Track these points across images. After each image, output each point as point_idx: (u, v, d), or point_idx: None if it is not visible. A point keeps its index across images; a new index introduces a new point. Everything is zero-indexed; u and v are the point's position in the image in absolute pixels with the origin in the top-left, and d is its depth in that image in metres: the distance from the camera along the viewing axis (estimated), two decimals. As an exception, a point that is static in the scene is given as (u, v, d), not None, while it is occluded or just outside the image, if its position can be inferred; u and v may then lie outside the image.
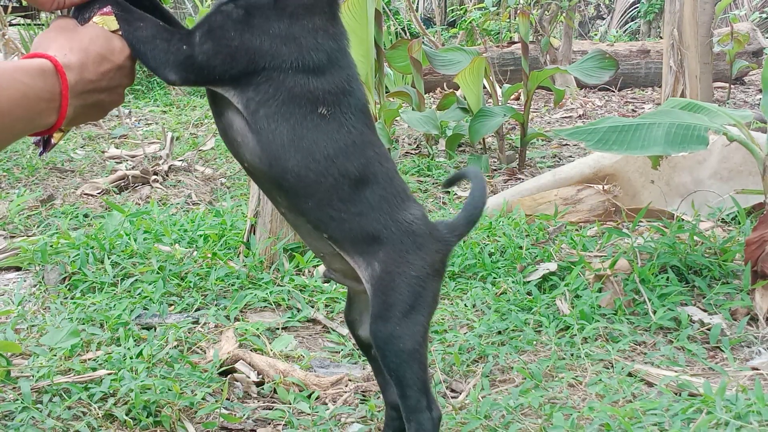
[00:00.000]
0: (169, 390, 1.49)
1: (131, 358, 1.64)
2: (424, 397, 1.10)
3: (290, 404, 1.54)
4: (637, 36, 10.03)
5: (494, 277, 2.14)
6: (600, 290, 1.97)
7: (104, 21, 1.01)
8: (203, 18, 1.03)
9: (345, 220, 1.06)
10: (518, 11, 4.63)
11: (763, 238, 1.90)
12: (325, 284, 2.13)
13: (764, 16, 8.87)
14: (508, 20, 7.05)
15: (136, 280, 2.10)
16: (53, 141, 1.00)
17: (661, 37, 7.86)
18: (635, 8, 10.61)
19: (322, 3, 1.04)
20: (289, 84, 1.01)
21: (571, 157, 3.85)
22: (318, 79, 1.02)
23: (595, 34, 10.82)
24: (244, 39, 0.99)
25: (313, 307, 2.01)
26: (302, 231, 1.13)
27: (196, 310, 1.99)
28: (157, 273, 2.13)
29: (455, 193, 3.12)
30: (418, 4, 10.53)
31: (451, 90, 4.89)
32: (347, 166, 1.04)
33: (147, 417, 1.44)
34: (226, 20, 1.00)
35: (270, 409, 1.53)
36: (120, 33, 1.01)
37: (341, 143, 1.03)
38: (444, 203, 3.03)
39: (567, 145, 4.19)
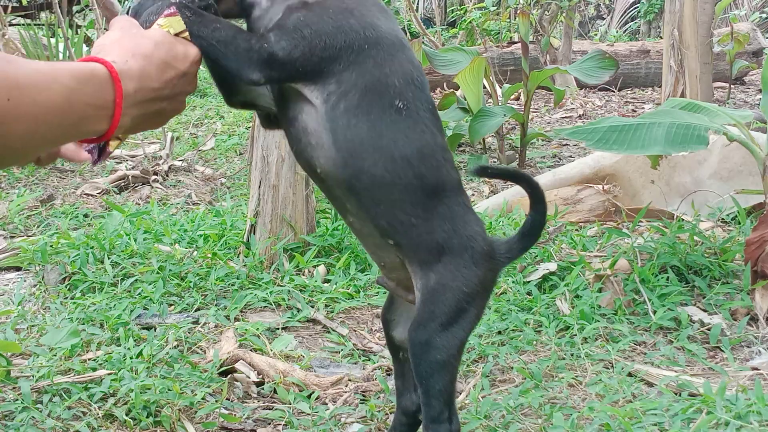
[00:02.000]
0: (169, 390, 1.49)
1: (131, 358, 1.64)
2: (447, 409, 1.10)
3: (290, 404, 1.54)
4: (637, 36, 10.02)
5: (494, 277, 2.13)
6: (600, 290, 1.97)
7: (169, 23, 0.97)
8: (275, 21, 1.04)
9: (414, 226, 1.06)
10: (518, 11, 4.63)
11: (763, 238, 1.90)
12: (325, 284, 2.13)
13: (764, 16, 8.86)
14: (508, 20, 7.05)
15: (136, 280, 2.10)
16: (109, 149, 0.95)
17: (661, 37, 7.86)
18: (635, 8, 10.61)
19: None
20: (367, 66, 1.01)
21: (571, 157, 3.85)
22: (392, 60, 1.03)
23: (595, 34, 10.81)
24: (311, 24, 1.00)
25: (313, 307, 2.01)
26: (367, 240, 1.13)
27: (196, 310, 1.99)
28: (157, 273, 2.13)
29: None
30: (418, 4, 10.53)
31: (451, 90, 4.88)
32: (422, 169, 1.04)
33: (147, 417, 1.44)
34: (292, 13, 1.01)
35: (270, 409, 1.53)
36: (184, 35, 0.97)
37: (417, 143, 1.04)
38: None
39: (567, 145, 4.19)
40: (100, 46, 0.93)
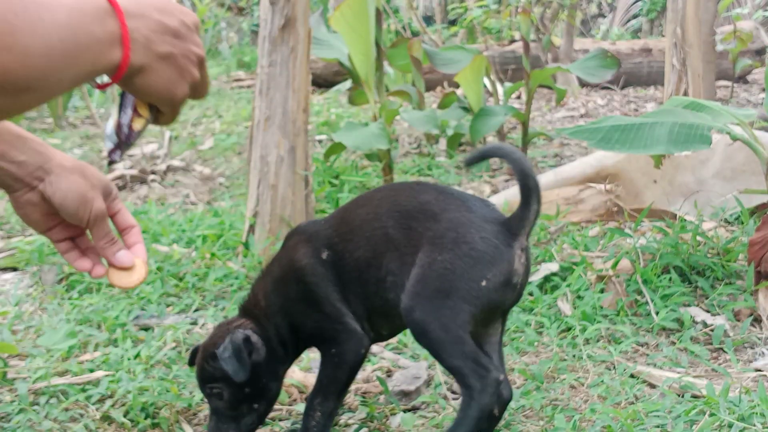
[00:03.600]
0: (167, 391, 1.48)
1: (129, 359, 1.63)
2: (470, 362, 1.15)
3: (289, 406, 1.52)
4: (639, 34, 10.00)
5: (495, 278, 2.11)
6: (602, 291, 1.95)
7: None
8: None
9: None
10: (519, 9, 4.61)
11: (767, 238, 1.88)
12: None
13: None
14: (509, 18, 7.03)
15: (135, 280, 2.08)
16: (134, 129, 0.93)
17: (663, 36, 7.84)
18: (637, 6, 10.59)
19: None
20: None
21: (572, 156, 3.83)
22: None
23: (597, 33, 10.79)
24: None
25: (312, 307, 2.00)
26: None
27: (194, 311, 1.98)
28: (156, 273, 2.11)
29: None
30: (418, 2, 10.51)
31: (451, 89, 4.87)
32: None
33: (145, 419, 1.43)
34: None
35: (269, 411, 1.51)
36: None
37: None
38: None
39: (569, 144, 4.17)
40: None
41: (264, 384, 1.26)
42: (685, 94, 3.52)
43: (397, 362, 1.69)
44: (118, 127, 0.94)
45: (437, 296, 1.16)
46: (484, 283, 1.17)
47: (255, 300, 1.31)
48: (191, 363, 1.32)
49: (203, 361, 1.25)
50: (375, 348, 1.79)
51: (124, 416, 1.43)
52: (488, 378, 1.15)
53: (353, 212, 1.27)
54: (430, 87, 5.66)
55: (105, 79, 0.90)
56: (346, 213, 1.28)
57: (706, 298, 1.95)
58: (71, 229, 1.12)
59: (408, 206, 1.22)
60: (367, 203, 1.27)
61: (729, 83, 5.78)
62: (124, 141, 0.95)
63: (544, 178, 2.85)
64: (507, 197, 2.74)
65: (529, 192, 1.24)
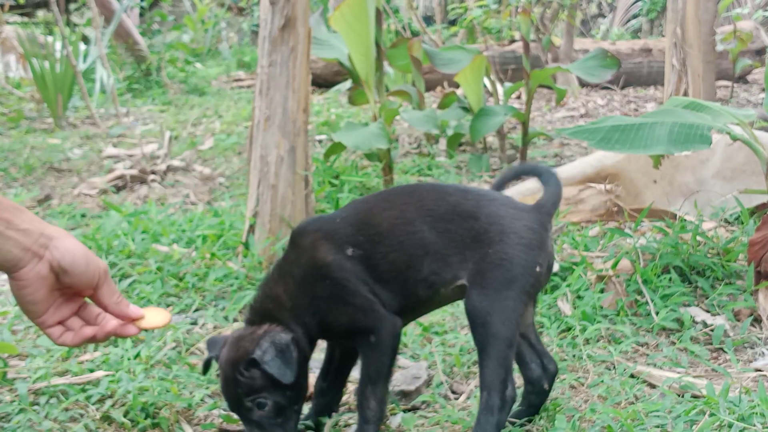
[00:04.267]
0: (167, 391, 1.48)
1: (129, 359, 1.63)
2: (503, 373, 1.24)
3: (289, 406, 1.52)
4: (639, 34, 10.00)
5: (495, 278, 2.11)
6: (602, 291, 1.95)
7: None
8: None
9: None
10: (519, 9, 4.61)
11: (767, 238, 1.88)
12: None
13: None
14: (509, 18, 7.03)
15: (134, 280, 2.09)
16: None
17: (663, 36, 7.84)
18: (637, 6, 10.59)
19: None
20: None
21: (572, 156, 3.84)
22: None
23: (597, 33, 10.79)
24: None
25: (312, 307, 2.00)
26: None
27: (194, 311, 1.98)
28: (156, 273, 2.11)
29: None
30: (418, 2, 10.51)
31: (451, 89, 4.87)
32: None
33: (145, 419, 1.43)
34: None
35: (269, 411, 1.51)
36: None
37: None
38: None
39: (568, 144, 4.17)
40: None
41: (301, 384, 1.27)
42: (685, 94, 3.53)
43: (397, 362, 1.69)
44: None
45: (501, 286, 1.23)
46: (538, 269, 1.26)
47: (276, 303, 1.28)
48: (204, 373, 1.32)
49: (235, 373, 1.20)
50: (375, 348, 1.79)
51: (124, 416, 1.43)
52: (506, 395, 1.24)
53: (377, 215, 1.28)
54: (430, 87, 5.66)
55: None
56: (369, 215, 1.29)
57: (706, 298, 1.95)
58: (69, 305, 1.11)
59: (440, 210, 1.27)
60: (391, 207, 1.29)
61: (729, 83, 5.78)
62: None
63: (544, 178, 2.84)
64: (507, 197, 2.73)
65: (550, 177, 1.35)
